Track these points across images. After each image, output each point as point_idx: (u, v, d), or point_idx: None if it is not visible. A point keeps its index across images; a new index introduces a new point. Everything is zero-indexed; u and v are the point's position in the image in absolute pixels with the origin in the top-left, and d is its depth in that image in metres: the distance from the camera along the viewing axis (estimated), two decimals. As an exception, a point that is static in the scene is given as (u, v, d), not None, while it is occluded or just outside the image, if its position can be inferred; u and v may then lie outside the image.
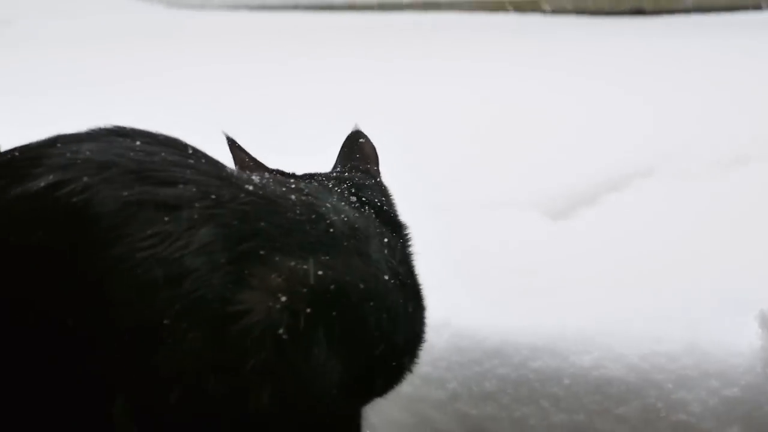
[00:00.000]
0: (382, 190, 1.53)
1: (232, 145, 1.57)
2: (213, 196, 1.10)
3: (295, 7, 6.53)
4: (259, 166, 1.53)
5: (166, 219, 1.05)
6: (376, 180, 1.55)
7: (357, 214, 1.31)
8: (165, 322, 1.03)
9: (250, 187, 1.16)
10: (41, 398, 1.04)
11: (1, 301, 1.03)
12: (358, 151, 1.59)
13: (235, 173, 1.20)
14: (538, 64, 4.34)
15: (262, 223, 1.13)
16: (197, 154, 1.18)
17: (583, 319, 1.81)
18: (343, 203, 1.32)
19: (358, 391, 1.28)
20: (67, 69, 4.59)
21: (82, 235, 1.03)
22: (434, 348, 1.79)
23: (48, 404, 1.05)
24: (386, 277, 1.27)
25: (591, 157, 3.02)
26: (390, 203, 1.52)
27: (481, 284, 2.05)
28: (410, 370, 1.39)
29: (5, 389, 1.05)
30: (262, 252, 1.10)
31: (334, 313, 1.16)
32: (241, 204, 1.12)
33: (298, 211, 1.18)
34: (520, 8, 6.19)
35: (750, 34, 4.97)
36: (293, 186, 1.27)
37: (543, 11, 6.15)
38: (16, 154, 1.13)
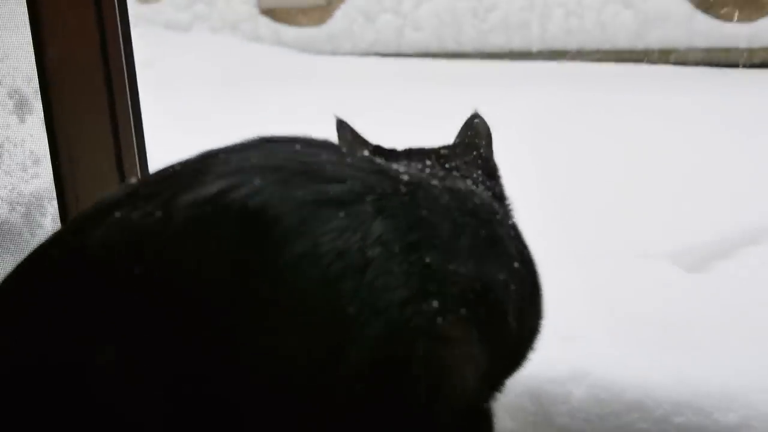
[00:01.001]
0: (486, 165, 1.60)
1: (340, 125, 1.66)
2: (378, 190, 1.13)
3: (426, 55, 6.63)
4: (362, 143, 1.63)
5: (341, 215, 1.07)
6: (478, 152, 1.61)
7: (486, 195, 1.38)
8: (350, 311, 1.04)
9: (406, 177, 1.19)
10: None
11: (184, 302, 1.01)
12: (471, 129, 1.68)
13: (388, 166, 1.22)
14: (673, 115, 4.29)
15: (424, 212, 1.16)
16: (352, 151, 1.22)
17: (727, 375, 1.78)
18: (470, 183, 1.39)
19: (494, 382, 1.31)
20: (207, 108, 4.73)
21: (263, 236, 1.03)
22: (573, 398, 1.79)
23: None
24: (516, 265, 1.29)
25: (729, 209, 3.01)
26: (497, 180, 1.60)
27: (620, 335, 2.04)
28: (529, 358, 1.41)
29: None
30: (425, 242, 1.13)
31: (483, 311, 1.17)
32: (403, 195, 1.15)
33: (446, 198, 1.22)
34: (651, 59, 6.15)
35: None
36: (430, 172, 1.32)
37: (672, 63, 6.10)
38: (177, 167, 1.13)
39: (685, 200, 3.09)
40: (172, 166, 1.14)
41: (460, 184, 1.33)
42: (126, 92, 1.95)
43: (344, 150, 1.23)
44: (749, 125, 4.05)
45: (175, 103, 5.04)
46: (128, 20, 1.94)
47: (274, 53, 6.76)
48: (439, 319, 1.10)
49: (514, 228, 1.40)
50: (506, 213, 1.48)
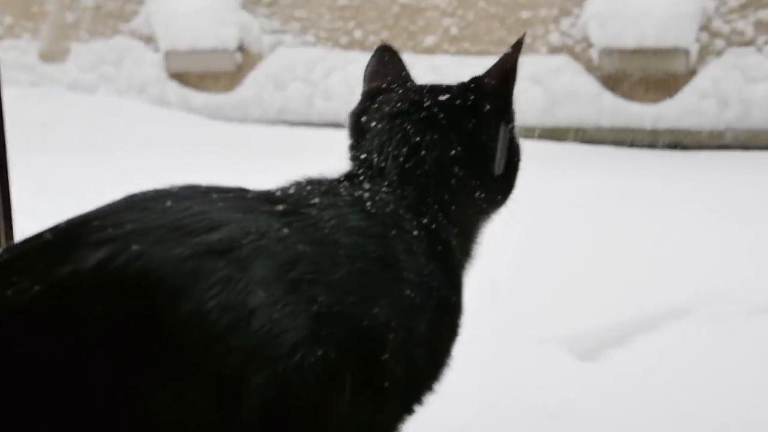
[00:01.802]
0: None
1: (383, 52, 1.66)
2: (253, 230, 1.12)
3: (335, 125, 6.57)
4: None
5: (221, 265, 1.06)
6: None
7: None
8: (240, 363, 1.05)
9: (281, 207, 1.19)
10: None
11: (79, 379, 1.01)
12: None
13: (261, 197, 1.23)
14: (574, 195, 4.27)
15: (301, 246, 1.15)
16: (220, 192, 1.20)
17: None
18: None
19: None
20: (104, 172, 4.60)
21: (149, 302, 1.03)
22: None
23: None
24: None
25: (624, 297, 2.96)
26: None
27: (507, 423, 1.96)
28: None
29: None
30: (308, 278, 1.12)
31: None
32: (278, 230, 1.15)
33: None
34: (560, 137, 6.19)
35: None
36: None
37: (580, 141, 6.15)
38: (49, 236, 1.10)
39: (582, 284, 3.06)
40: (42, 234, 1.11)
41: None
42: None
43: (214, 192, 1.20)
44: (650, 208, 4.07)
45: (67, 166, 4.88)
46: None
47: (181, 118, 6.64)
48: (325, 365, 1.11)
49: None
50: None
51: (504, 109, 1.56)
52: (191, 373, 1.04)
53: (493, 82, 1.54)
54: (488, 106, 1.52)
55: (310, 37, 6.79)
